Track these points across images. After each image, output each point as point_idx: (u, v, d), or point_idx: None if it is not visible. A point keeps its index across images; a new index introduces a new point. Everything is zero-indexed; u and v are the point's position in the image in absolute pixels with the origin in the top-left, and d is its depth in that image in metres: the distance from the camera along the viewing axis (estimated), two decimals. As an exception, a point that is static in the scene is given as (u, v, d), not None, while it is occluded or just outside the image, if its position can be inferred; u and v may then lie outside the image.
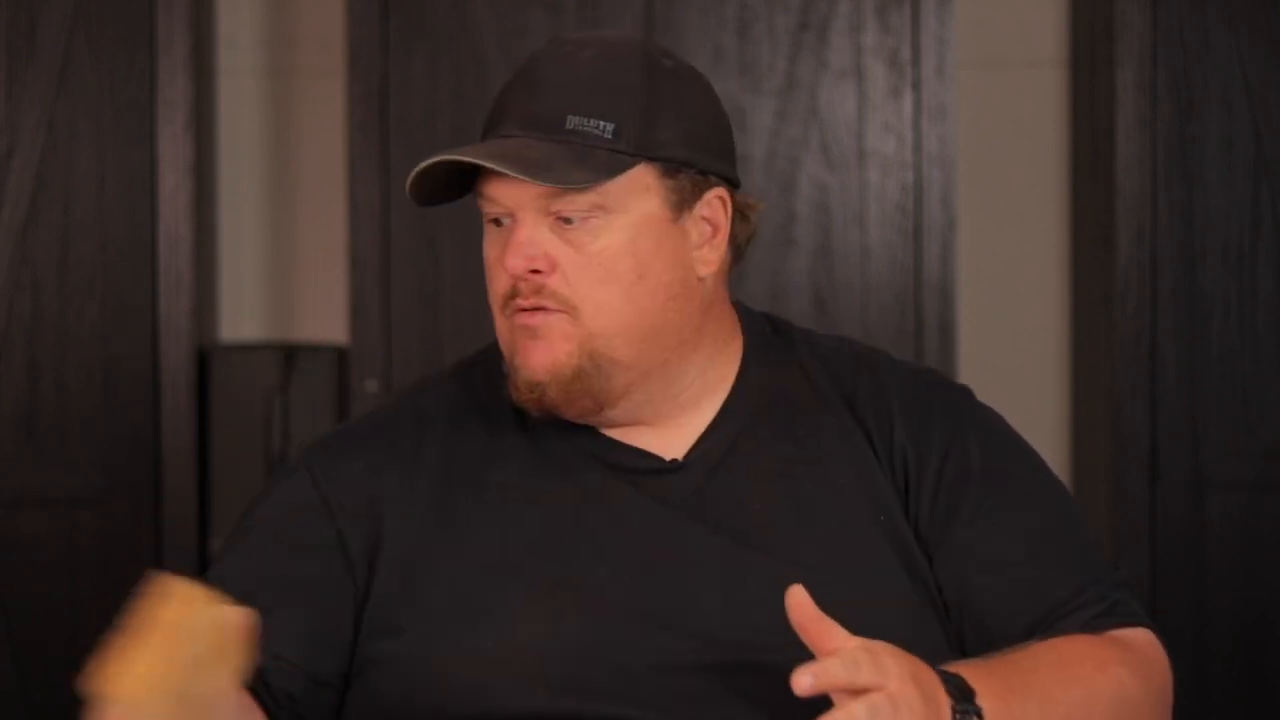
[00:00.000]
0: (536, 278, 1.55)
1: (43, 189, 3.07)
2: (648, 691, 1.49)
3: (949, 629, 1.57)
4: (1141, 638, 1.56)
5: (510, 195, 1.55)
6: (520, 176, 1.52)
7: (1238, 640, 2.97)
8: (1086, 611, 1.54)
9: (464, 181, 1.59)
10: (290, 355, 3.21)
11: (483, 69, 3.07)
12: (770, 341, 1.67)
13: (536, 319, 1.55)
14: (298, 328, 3.43)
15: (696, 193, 1.59)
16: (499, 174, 1.54)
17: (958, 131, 3.11)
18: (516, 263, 1.55)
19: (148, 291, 3.08)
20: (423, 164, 1.56)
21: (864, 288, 3.07)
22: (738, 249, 1.64)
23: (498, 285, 1.59)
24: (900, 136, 3.07)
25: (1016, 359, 3.34)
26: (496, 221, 1.59)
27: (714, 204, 1.60)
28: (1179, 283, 2.99)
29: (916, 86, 3.06)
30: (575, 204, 1.54)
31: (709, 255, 1.60)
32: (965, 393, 1.68)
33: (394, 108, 3.06)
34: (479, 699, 1.51)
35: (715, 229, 1.60)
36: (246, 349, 3.28)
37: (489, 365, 1.65)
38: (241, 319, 3.42)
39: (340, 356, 3.22)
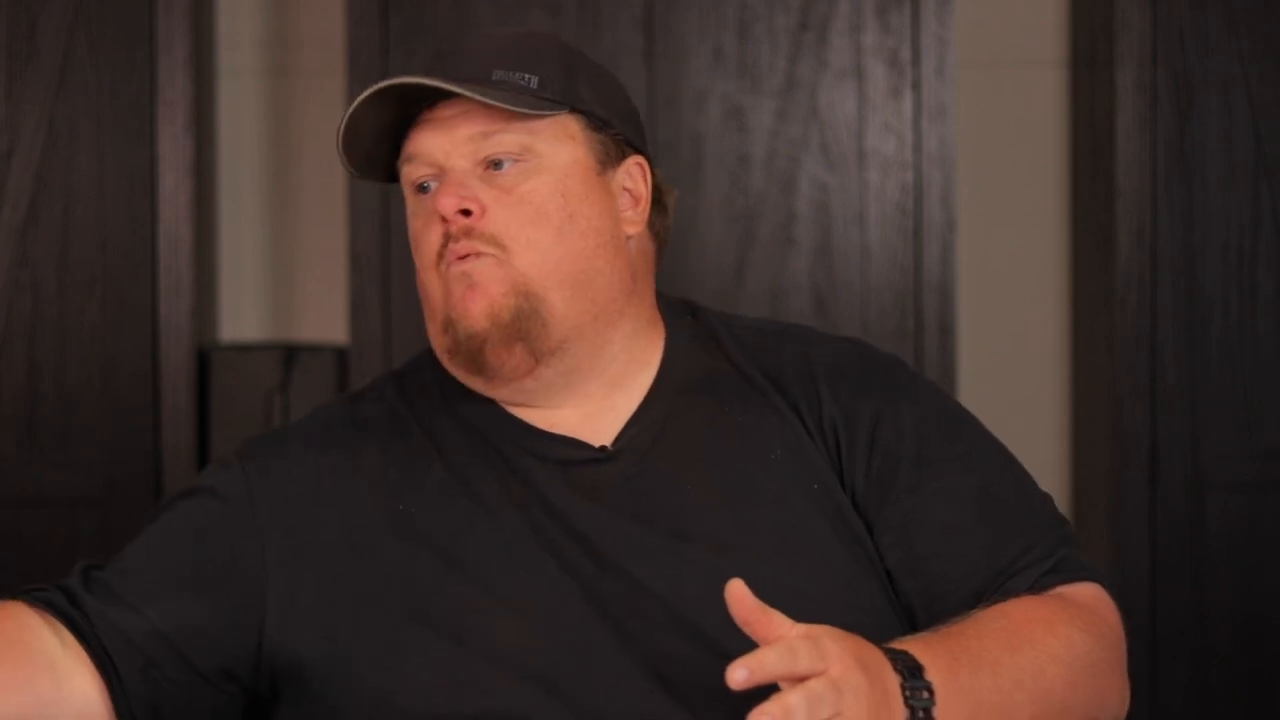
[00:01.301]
0: (466, 220, 1.56)
1: (43, 189, 3.07)
2: (598, 686, 1.49)
3: (892, 596, 1.56)
4: (1089, 592, 1.56)
5: (441, 145, 1.57)
6: (462, 90, 1.54)
7: (1237, 640, 2.97)
8: (1033, 571, 1.54)
9: (391, 164, 1.61)
10: (290, 355, 3.21)
11: (483, 69, 3.07)
12: (692, 327, 1.68)
13: (469, 264, 1.56)
14: (298, 328, 3.43)
15: (619, 154, 1.63)
16: (429, 127, 1.56)
17: (958, 131, 3.11)
18: (449, 201, 1.56)
19: (148, 291, 3.08)
20: (355, 103, 1.57)
21: (864, 288, 3.07)
22: (658, 238, 1.67)
23: (429, 246, 1.59)
24: (900, 136, 3.07)
25: (1016, 359, 3.34)
26: (422, 189, 1.60)
27: (634, 172, 1.64)
28: (1179, 283, 2.99)
29: (916, 86, 3.06)
30: (505, 144, 1.57)
31: (634, 218, 1.63)
32: (895, 361, 1.68)
33: (394, 108, 3.06)
34: (429, 699, 1.50)
35: (636, 199, 1.64)
36: (246, 349, 3.28)
37: (421, 371, 1.66)
38: (241, 319, 3.42)
39: (340, 356, 3.22)
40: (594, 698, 1.48)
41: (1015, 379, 3.32)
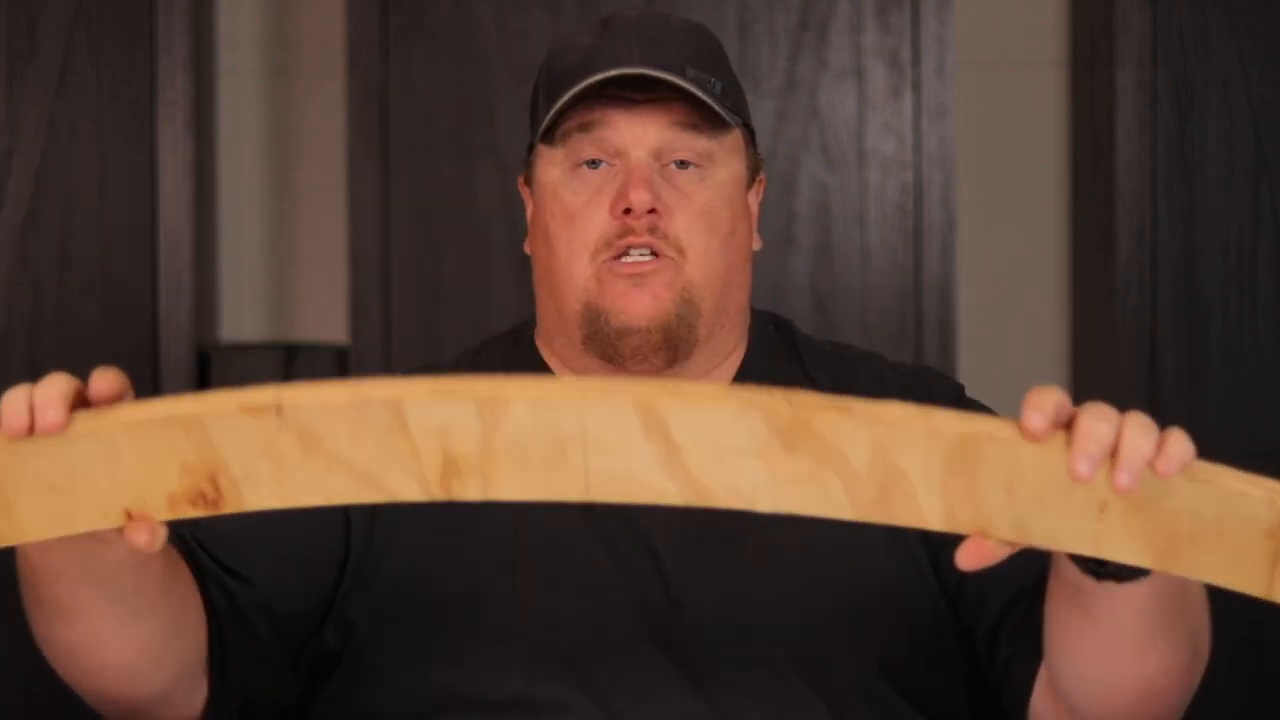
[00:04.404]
0: (651, 217, 1.54)
1: (43, 189, 3.07)
2: (632, 681, 1.50)
3: (943, 609, 1.56)
4: None
5: (634, 134, 1.55)
6: (699, 94, 1.52)
7: (1237, 640, 2.97)
8: None
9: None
10: (290, 355, 3.22)
11: (483, 69, 3.07)
12: (772, 340, 1.68)
13: (647, 266, 1.54)
14: (298, 328, 3.43)
15: (756, 172, 1.64)
16: (624, 110, 1.54)
17: (958, 131, 3.11)
18: (645, 196, 1.53)
19: (148, 291, 3.08)
20: (594, 79, 1.53)
21: (864, 288, 3.07)
22: None
23: (590, 230, 1.56)
24: (900, 136, 3.07)
25: (1016, 359, 3.34)
26: (592, 164, 1.57)
27: (757, 189, 1.65)
28: (1179, 283, 2.99)
29: (916, 86, 3.06)
30: (695, 147, 1.56)
31: (755, 235, 1.65)
32: (959, 388, 1.70)
33: (394, 108, 3.06)
34: (459, 681, 1.51)
35: (753, 215, 1.65)
36: (246, 349, 3.28)
37: (496, 355, 1.66)
38: (241, 319, 3.42)
39: (340, 356, 3.22)
40: (626, 693, 1.49)
41: (1015, 379, 3.31)
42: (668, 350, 1.56)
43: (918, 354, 3.04)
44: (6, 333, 3.06)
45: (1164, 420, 3.26)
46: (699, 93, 1.54)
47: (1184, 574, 1.10)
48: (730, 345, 1.63)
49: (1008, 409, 1.70)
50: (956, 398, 1.66)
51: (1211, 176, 2.99)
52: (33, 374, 3.46)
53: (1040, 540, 1.11)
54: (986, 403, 1.71)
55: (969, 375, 3.21)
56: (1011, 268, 3.35)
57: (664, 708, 1.49)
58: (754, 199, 1.65)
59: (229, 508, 1.12)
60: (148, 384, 3.08)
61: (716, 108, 1.55)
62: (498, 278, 3.05)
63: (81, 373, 3.37)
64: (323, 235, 3.39)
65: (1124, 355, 2.99)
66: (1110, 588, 1.30)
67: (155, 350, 3.08)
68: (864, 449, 1.07)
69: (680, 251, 1.55)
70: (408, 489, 1.09)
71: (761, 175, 1.66)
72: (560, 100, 1.54)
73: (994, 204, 3.34)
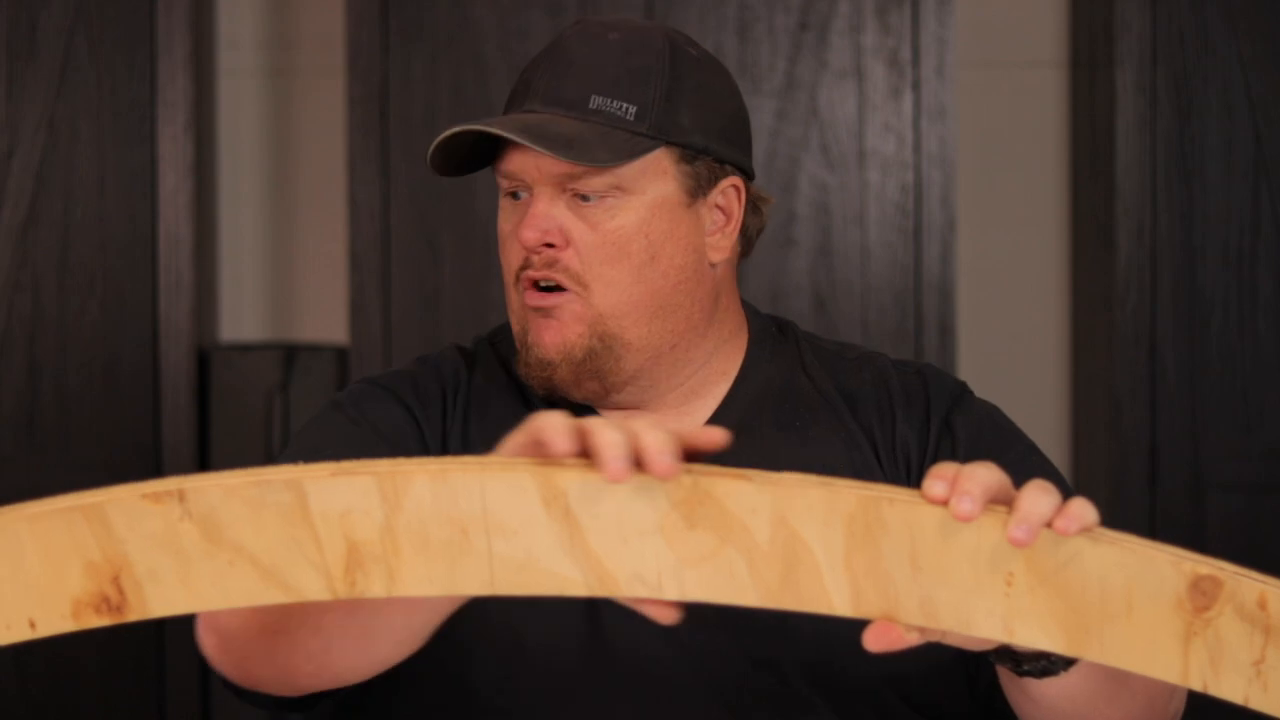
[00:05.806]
0: (549, 252, 1.55)
1: (43, 189, 3.07)
2: (647, 688, 1.50)
3: None
4: None
5: (530, 170, 1.56)
6: (543, 150, 1.52)
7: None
8: None
9: (483, 154, 1.59)
10: (290, 355, 3.22)
11: (483, 69, 3.07)
12: (775, 340, 1.67)
13: (550, 299, 1.56)
14: (298, 328, 3.43)
15: (712, 180, 1.60)
16: (520, 147, 1.55)
17: (958, 131, 3.11)
18: (531, 235, 1.55)
19: (148, 291, 3.08)
20: (445, 133, 1.56)
21: (864, 288, 3.07)
22: (748, 241, 1.65)
23: (511, 258, 1.59)
24: (900, 136, 3.07)
25: (1016, 359, 3.34)
26: (515, 195, 1.59)
27: (728, 193, 1.61)
28: (1179, 283, 2.99)
29: (916, 86, 3.06)
30: (593, 184, 1.55)
31: (721, 242, 1.61)
32: (960, 387, 1.68)
33: (394, 108, 3.06)
34: (465, 677, 1.52)
35: (728, 217, 1.62)
36: (246, 349, 3.28)
37: (496, 349, 1.66)
38: (241, 319, 3.42)
39: (340, 356, 3.22)
40: (630, 697, 1.49)
41: (1015, 379, 3.32)
42: (592, 380, 1.57)
43: (918, 354, 3.04)
44: (6, 333, 3.06)
45: (1164, 420, 3.26)
46: (566, 159, 1.52)
47: (1097, 657, 1.10)
48: (698, 363, 1.61)
49: (1007, 409, 1.70)
50: (956, 397, 1.65)
51: (1211, 176, 2.99)
52: (33, 374, 3.47)
53: (950, 622, 1.11)
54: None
55: (969, 375, 3.21)
56: (1011, 268, 3.35)
57: (669, 712, 1.49)
58: (726, 199, 1.61)
59: (133, 614, 1.14)
60: (148, 384, 3.08)
61: (596, 165, 1.53)
62: (497, 278, 3.04)
63: (82, 373, 3.38)
64: (323, 235, 3.39)
65: (1124, 356, 2.99)
66: (1032, 681, 1.32)
67: (155, 350, 3.08)
68: (765, 519, 1.08)
69: (584, 285, 1.56)
70: (313, 586, 1.10)
71: (733, 180, 1.62)
72: (429, 152, 1.57)
73: (994, 204, 3.34)
